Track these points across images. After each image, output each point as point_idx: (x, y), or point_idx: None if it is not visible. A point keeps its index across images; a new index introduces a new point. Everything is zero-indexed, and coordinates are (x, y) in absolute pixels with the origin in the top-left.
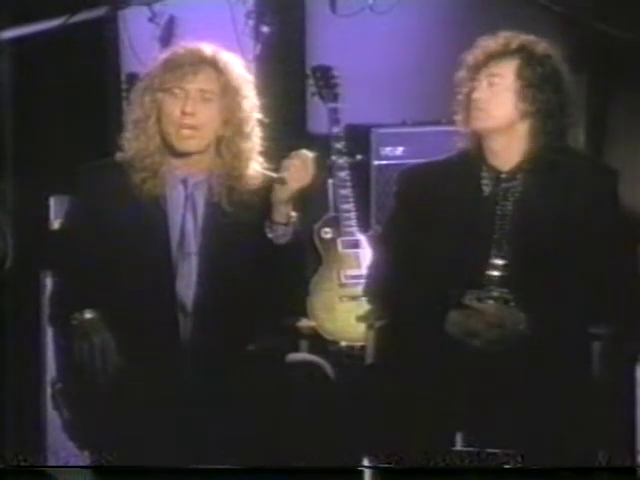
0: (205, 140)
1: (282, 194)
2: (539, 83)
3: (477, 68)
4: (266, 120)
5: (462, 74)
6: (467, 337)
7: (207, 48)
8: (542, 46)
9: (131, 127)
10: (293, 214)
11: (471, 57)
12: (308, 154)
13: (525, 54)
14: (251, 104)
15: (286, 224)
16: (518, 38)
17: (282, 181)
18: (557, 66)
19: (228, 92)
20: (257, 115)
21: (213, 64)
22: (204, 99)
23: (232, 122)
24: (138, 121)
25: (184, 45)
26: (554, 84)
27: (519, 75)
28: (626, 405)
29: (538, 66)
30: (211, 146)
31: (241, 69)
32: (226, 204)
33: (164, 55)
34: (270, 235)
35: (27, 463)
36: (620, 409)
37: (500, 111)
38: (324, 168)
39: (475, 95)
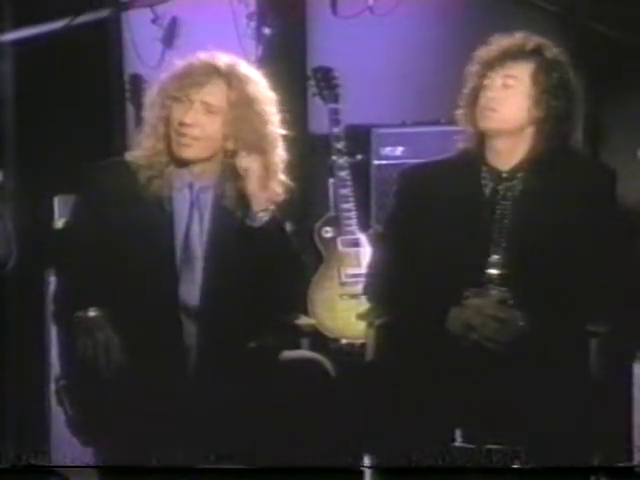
0: (207, 151)
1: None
2: (553, 89)
3: (490, 65)
4: (285, 132)
5: (473, 69)
6: (464, 330)
7: (222, 60)
8: (555, 51)
9: (143, 127)
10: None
11: (485, 53)
12: None
13: (540, 58)
14: (266, 120)
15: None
16: (533, 40)
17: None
18: (568, 71)
19: (237, 106)
20: (280, 131)
21: (226, 77)
22: (207, 111)
23: (242, 137)
24: (149, 122)
25: (200, 56)
26: (566, 90)
27: (535, 80)
28: (623, 403)
29: (553, 71)
30: (217, 156)
31: (258, 85)
32: (237, 210)
33: (181, 63)
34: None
35: (31, 462)
36: (617, 407)
37: (512, 114)
38: (325, 168)
39: (488, 94)
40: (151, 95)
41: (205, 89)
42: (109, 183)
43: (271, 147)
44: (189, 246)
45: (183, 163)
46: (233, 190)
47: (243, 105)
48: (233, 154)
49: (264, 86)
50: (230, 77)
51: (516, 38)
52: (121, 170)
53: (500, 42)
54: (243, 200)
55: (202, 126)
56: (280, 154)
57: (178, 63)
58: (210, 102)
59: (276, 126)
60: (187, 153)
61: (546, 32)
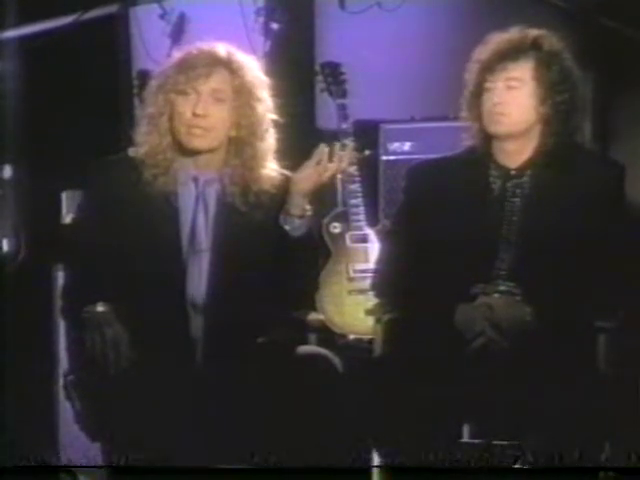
0: (216, 141)
1: (301, 187)
2: (556, 84)
3: (490, 66)
4: (276, 117)
5: (474, 71)
6: (472, 336)
7: (221, 49)
8: (554, 41)
9: (144, 123)
10: (308, 207)
11: (483, 54)
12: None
13: (538, 52)
14: (265, 105)
15: (301, 217)
16: (530, 34)
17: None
18: (568, 61)
19: (241, 94)
20: (272, 116)
21: (227, 65)
22: (216, 100)
23: (245, 123)
24: (151, 117)
25: (198, 46)
26: (569, 82)
27: (537, 78)
28: (632, 400)
29: (553, 65)
30: (222, 146)
31: (255, 71)
32: (241, 203)
33: (178, 55)
34: (286, 227)
35: (39, 461)
36: (626, 403)
37: (521, 115)
38: None
39: (494, 99)
40: (149, 92)
41: (211, 78)
42: (116, 178)
43: (267, 133)
44: (195, 239)
45: (191, 154)
46: (233, 184)
47: (246, 91)
48: (237, 141)
49: (259, 71)
50: (231, 64)
51: (512, 34)
52: (128, 166)
53: (497, 40)
54: (245, 193)
55: (212, 116)
56: (271, 141)
57: (175, 56)
58: (218, 90)
59: (269, 112)
60: (199, 144)
61: (556, 28)
